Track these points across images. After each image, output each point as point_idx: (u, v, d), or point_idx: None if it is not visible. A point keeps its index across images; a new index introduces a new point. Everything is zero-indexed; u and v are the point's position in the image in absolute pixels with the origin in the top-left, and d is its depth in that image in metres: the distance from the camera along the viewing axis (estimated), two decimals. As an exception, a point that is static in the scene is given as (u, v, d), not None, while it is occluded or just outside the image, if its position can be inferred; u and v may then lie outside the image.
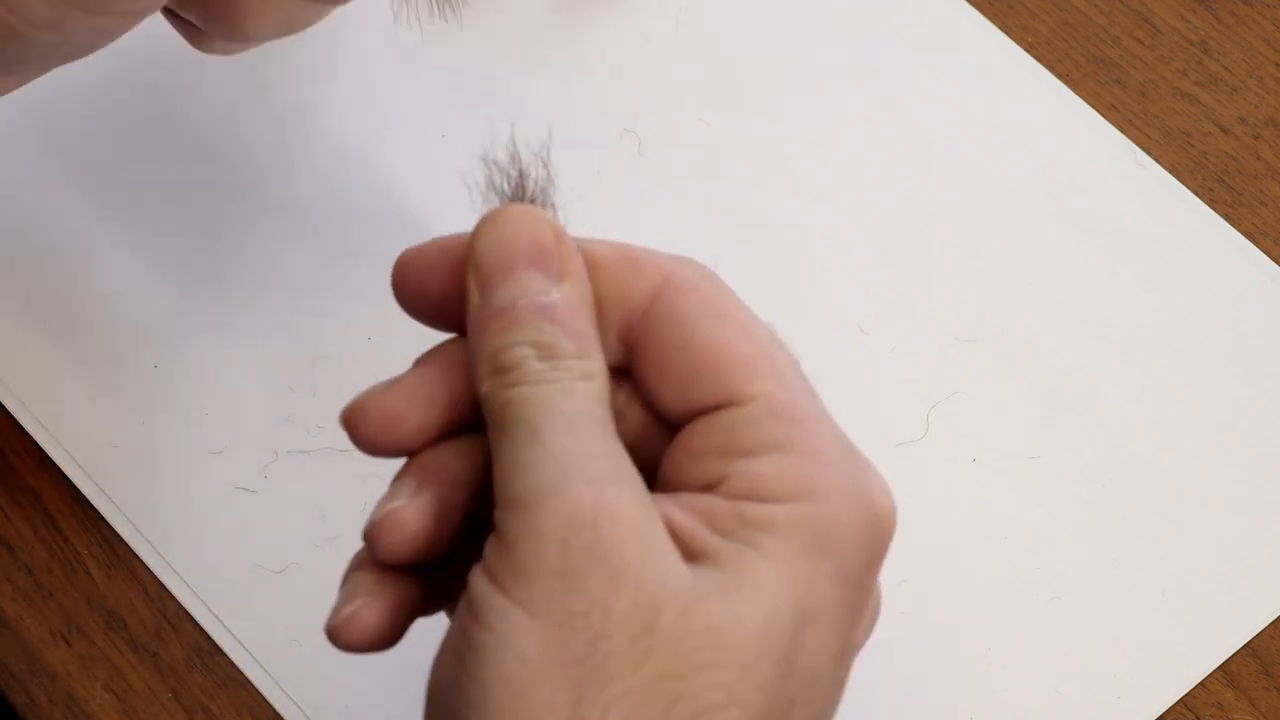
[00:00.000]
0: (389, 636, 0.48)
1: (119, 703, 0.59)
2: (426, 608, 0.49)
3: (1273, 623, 0.61)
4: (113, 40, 0.54)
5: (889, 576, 0.60)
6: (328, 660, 0.59)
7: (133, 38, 0.57)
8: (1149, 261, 0.66)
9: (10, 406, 0.62)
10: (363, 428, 0.48)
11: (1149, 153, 0.68)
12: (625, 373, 0.48)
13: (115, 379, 0.62)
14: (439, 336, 0.49)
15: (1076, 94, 0.69)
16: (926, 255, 0.66)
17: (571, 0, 0.70)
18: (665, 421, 0.47)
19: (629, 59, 0.69)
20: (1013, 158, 0.68)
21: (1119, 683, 0.60)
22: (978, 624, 0.60)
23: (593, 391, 0.45)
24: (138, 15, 0.53)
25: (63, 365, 0.63)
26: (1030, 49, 0.70)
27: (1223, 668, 0.60)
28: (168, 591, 0.60)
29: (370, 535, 0.47)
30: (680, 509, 0.45)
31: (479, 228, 0.47)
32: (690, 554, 0.45)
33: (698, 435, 0.46)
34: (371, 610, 0.48)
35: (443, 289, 0.48)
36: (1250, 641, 0.60)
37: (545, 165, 0.47)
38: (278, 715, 0.59)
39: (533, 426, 0.45)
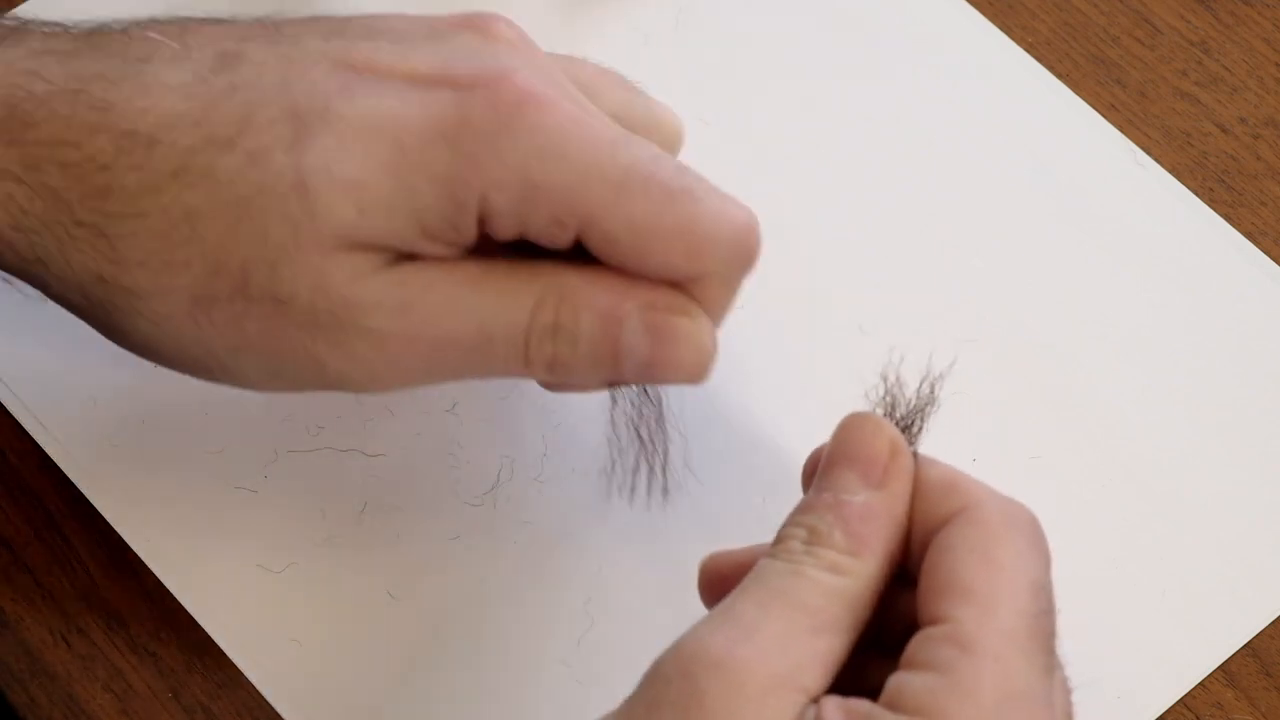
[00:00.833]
0: None
1: (119, 703, 0.59)
2: None
3: (1273, 623, 0.61)
4: None
5: (889, 576, 0.61)
6: (328, 660, 0.59)
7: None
8: (1149, 261, 0.66)
9: (10, 406, 0.62)
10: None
11: (1149, 153, 0.68)
12: None
13: (115, 379, 0.62)
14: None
15: (1076, 94, 0.69)
16: (926, 255, 0.66)
17: (571, 0, 0.70)
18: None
19: (628, 59, 0.69)
20: (1013, 158, 0.68)
21: (1119, 682, 0.60)
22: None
23: (831, 584, 0.48)
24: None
25: (63, 365, 0.63)
26: (1030, 49, 0.70)
27: (1223, 668, 0.60)
28: (168, 591, 0.60)
29: None
30: (836, 707, 0.47)
31: (837, 427, 0.51)
32: None
33: (907, 647, 0.48)
34: None
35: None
36: (1250, 641, 0.61)
37: (932, 388, 0.52)
38: (277, 715, 0.59)
39: (739, 591, 0.48)
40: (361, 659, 0.59)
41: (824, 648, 0.48)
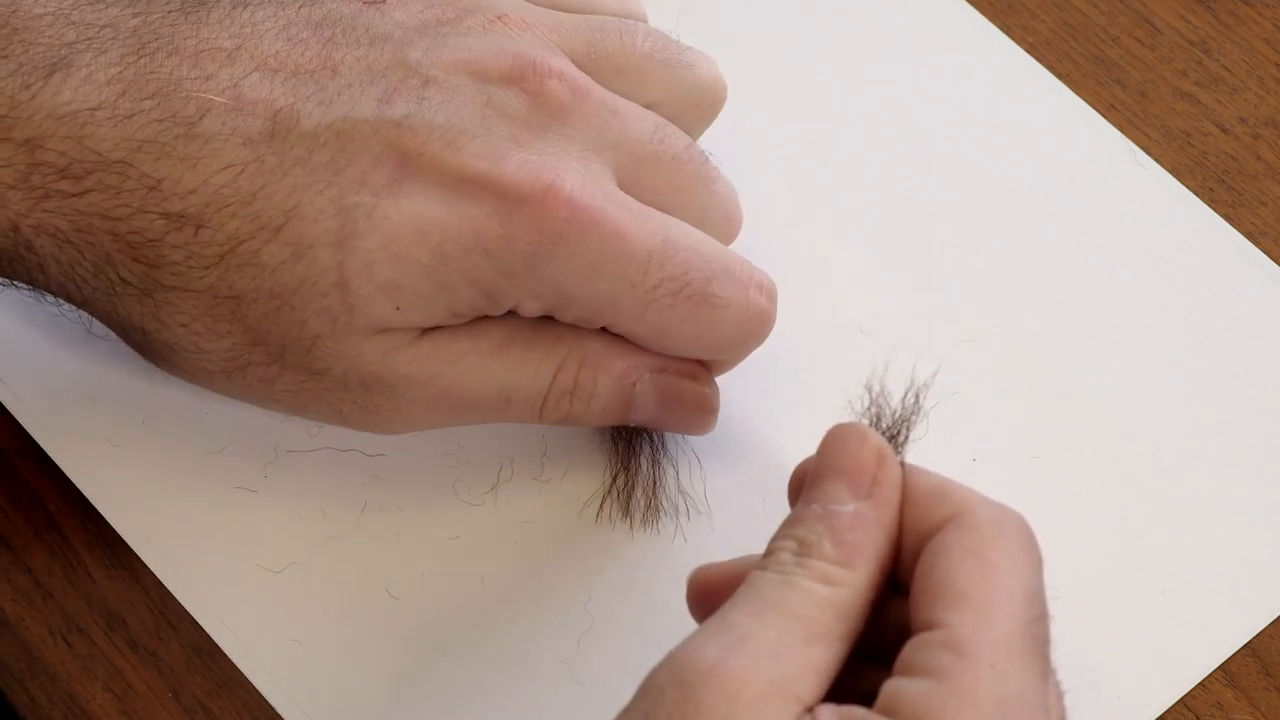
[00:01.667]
0: None
1: (119, 703, 0.59)
2: None
3: (1273, 623, 0.61)
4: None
5: (889, 576, 0.61)
6: (328, 660, 0.59)
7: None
8: (1149, 261, 0.66)
9: (10, 406, 0.62)
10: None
11: (1149, 153, 0.68)
12: None
13: (115, 378, 0.62)
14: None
15: (1076, 94, 0.69)
16: (926, 255, 0.66)
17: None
18: None
19: (629, 59, 0.69)
20: (1013, 157, 0.68)
21: (1119, 682, 0.60)
22: (978, 624, 0.60)
23: (823, 594, 0.48)
24: None
25: (63, 365, 0.63)
26: (1030, 49, 0.70)
27: (1223, 668, 0.60)
28: (168, 591, 0.60)
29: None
30: (832, 714, 0.47)
31: (823, 438, 0.52)
32: None
33: (901, 652, 0.48)
34: None
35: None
36: (1250, 641, 0.60)
37: (917, 397, 0.52)
38: (277, 715, 0.58)
39: (732, 603, 0.48)
40: (361, 659, 0.59)
41: (818, 657, 0.48)
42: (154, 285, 0.55)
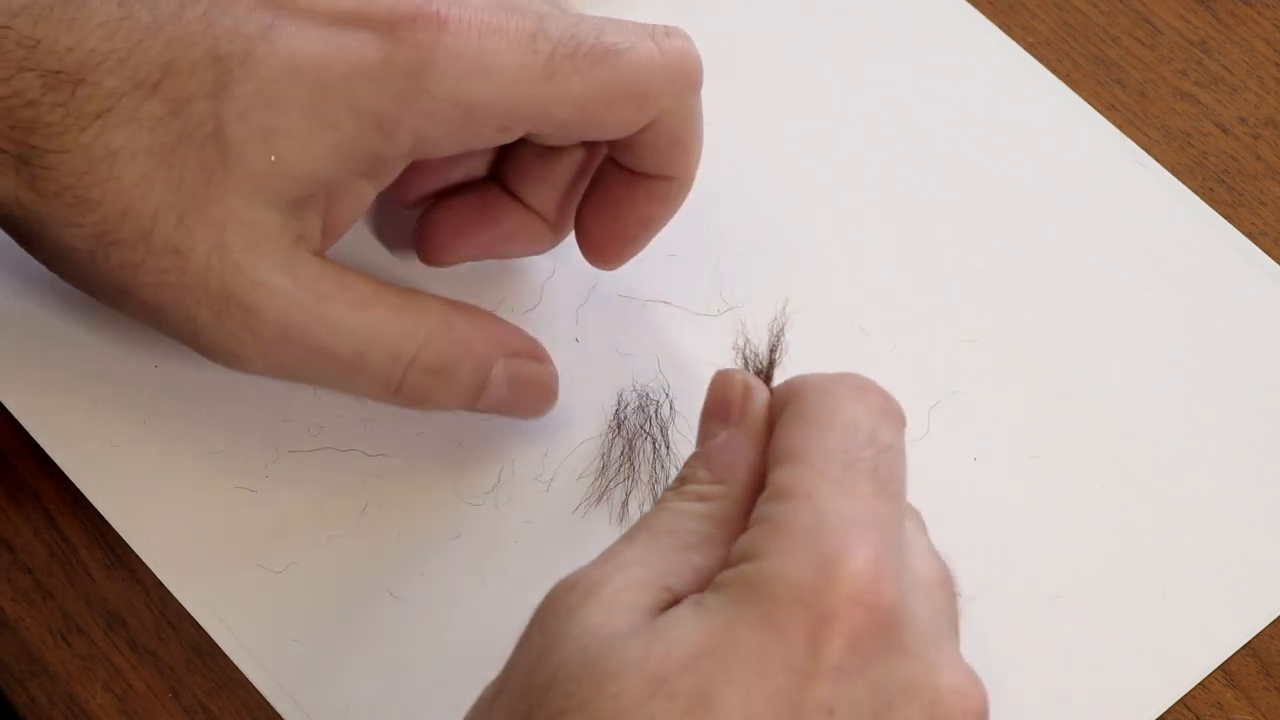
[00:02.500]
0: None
1: (119, 703, 0.59)
2: None
3: (1273, 623, 0.61)
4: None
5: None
6: (329, 660, 0.59)
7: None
8: (1149, 261, 0.66)
9: (10, 406, 0.62)
10: None
11: (1149, 153, 0.68)
12: None
13: (116, 378, 0.62)
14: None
15: (1076, 94, 0.69)
16: (927, 254, 0.66)
17: None
18: None
19: (629, 59, 0.69)
20: (1013, 157, 0.68)
21: (1119, 682, 0.60)
22: (978, 623, 0.60)
23: (695, 509, 0.50)
24: None
25: (63, 365, 0.63)
26: (1030, 49, 0.70)
27: (1223, 668, 0.60)
28: (168, 591, 0.60)
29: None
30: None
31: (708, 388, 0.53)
32: None
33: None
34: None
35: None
36: (1250, 641, 0.61)
37: (779, 339, 0.55)
38: (278, 716, 0.58)
39: (624, 534, 0.50)
40: (362, 659, 0.59)
41: (698, 560, 0.49)
42: (30, 151, 0.55)
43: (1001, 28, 0.70)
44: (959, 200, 0.67)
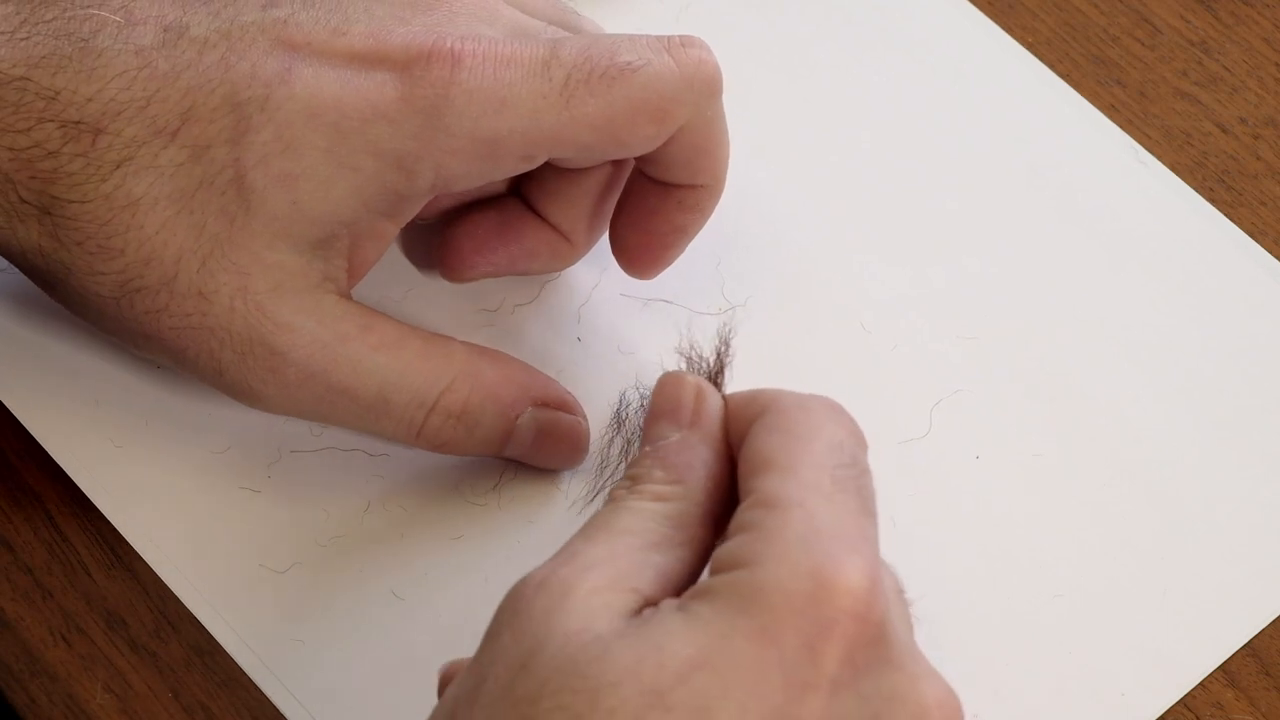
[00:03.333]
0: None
1: (119, 703, 0.59)
2: None
3: (1273, 623, 0.61)
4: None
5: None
6: (330, 660, 0.59)
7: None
8: (1151, 259, 0.66)
9: (11, 406, 0.62)
10: None
11: (1149, 153, 0.68)
12: None
13: (118, 378, 0.62)
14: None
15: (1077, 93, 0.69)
16: (928, 253, 0.66)
17: (571, -1, 0.70)
18: None
19: (630, 58, 0.69)
20: (1014, 155, 0.68)
21: (1120, 681, 0.60)
22: (980, 622, 0.60)
23: (653, 508, 0.50)
24: None
25: (65, 365, 0.63)
26: (1030, 48, 0.70)
27: (1223, 668, 0.60)
28: (168, 591, 0.60)
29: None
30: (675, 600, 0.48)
31: (651, 394, 0.53)
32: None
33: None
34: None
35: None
36: (1250, 641, 0.61)
37: (726, 345, 0.54)
38: (279, 715, 0.58)
39: (581, 531, 0.50)
40: (365, 659, 0.59)
41: (660, 560, 0.49)
42: (52, 201, 0.55)
43: (1002, 27, 0.70)
44: (961, 199, 0.67)
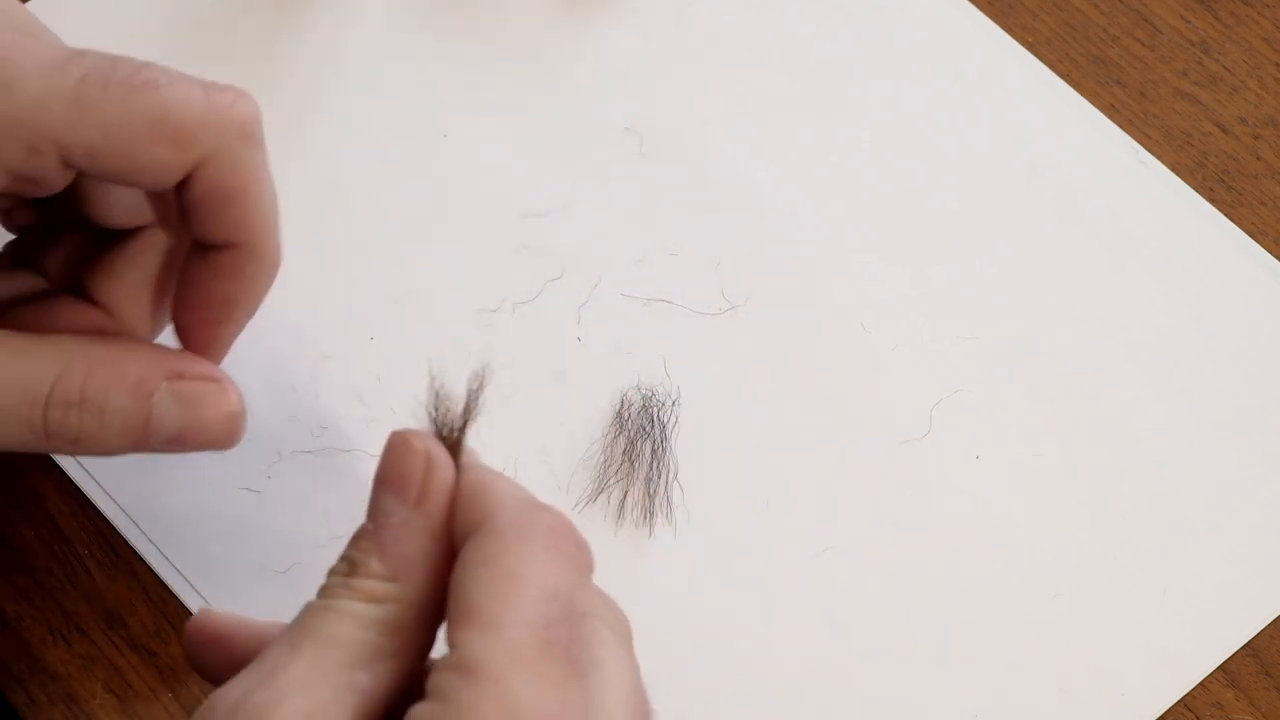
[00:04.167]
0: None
1: (119, 703, 0.59)
2: None
3: (1273, 623, 0.61)
4: None
5: (893, 575, 0.61)
6: (331, 660, 0.59)
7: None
8: (1151, 259, 0.66)
9: (11, 406, 0.62)
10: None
11: (1149, 153, 0.68)
12: None
13: (118, 378, 0.62)
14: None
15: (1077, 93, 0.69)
16: (928, 253, 0.66)
17: (571, -1, 0.70)
18: None
19: (630, 57, 0.69)
20: (1014, 155, 0.68)
21: (1121, 681, 0.60)
22: (980, 621, 0.60)
23: (368, 614, 0.47)
24: None
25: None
26: (1030, 48, 0.70)
27: (1223, 668, 0.60)
28: (168, 591, 0.60)
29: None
30: None
31: (383, 448, 0.50)
32: None
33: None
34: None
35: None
36: (1250, 641, 0.61)
37: (475, 398, 0.50)
38: (279, 715, 0.58)
39: (279, 638, 0.47)
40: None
41: (364, 680, 0.47)
42: None
43: (1002, 27, 0.70)
44: (961, 199, 0.67)
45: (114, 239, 0.57)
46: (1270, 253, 0.67)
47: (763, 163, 0.67)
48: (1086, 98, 0.69)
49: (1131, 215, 0.67)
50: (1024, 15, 0.71)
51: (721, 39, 0.69)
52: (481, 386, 0.50)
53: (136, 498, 0.61)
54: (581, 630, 0.47)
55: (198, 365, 0.55)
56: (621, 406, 0.62)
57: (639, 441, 0.62)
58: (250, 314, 0.56)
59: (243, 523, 0.61)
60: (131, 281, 0.56)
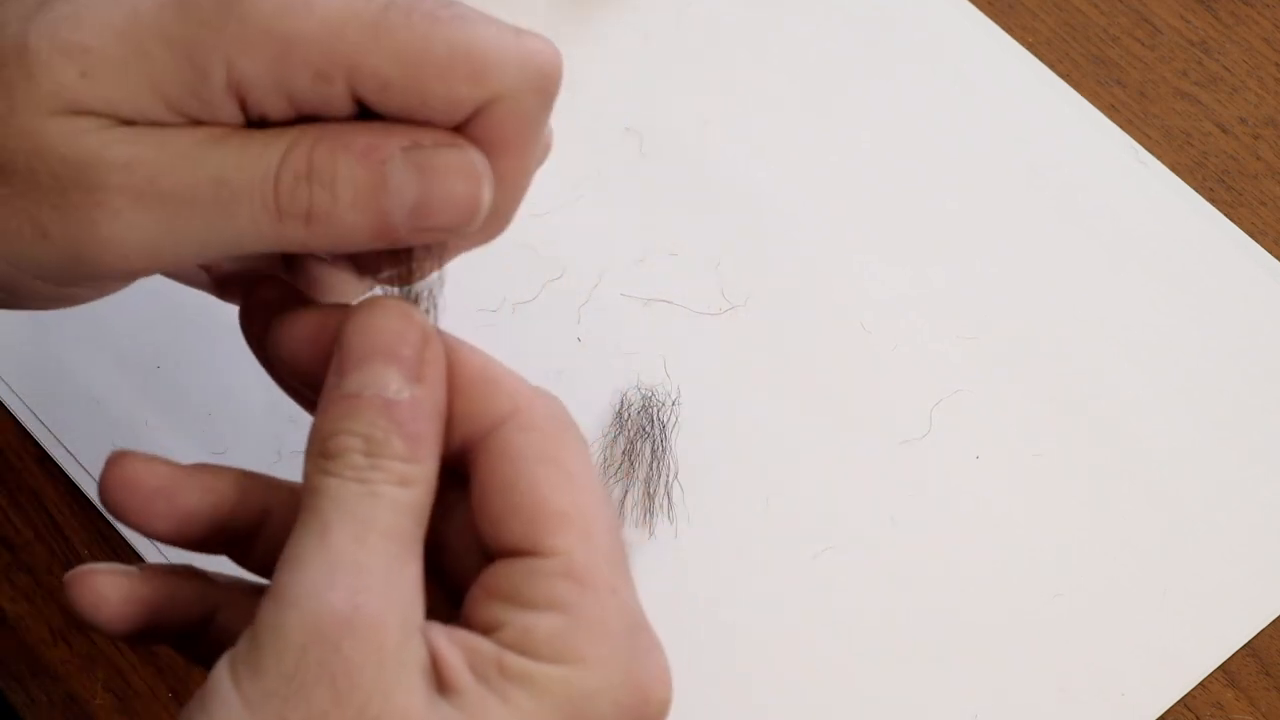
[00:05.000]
0: (117, 624, 0.50)
1: (119, 703, 0.59)
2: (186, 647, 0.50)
3: (1273, 623, 0.61)
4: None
5: (893, 575, 0.61)
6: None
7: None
8: (1151, 259, 0.66)
9: (11, 406, 0.62)
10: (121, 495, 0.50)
11: (1149, 153, 0.68)
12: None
13: (118, 380, 0.62)
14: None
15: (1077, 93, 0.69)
16: (929, 253, 0.66)
17: (571, -1, 0.70)
18: (482, 546, 0.48)
19: (630, 57, 0.69)
20: (1014, 155, 0.68)
21: (1121, 680, 0.60)
22: (981, 621, 0.60)
23: (404, 500, 0.46)
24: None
25: (65, 366, 0.62)
26: (1030, 49, 0.70)
27: (1223, 668, 0.60)
28: (168, 591, 0.60)
29: None
30: (449, 641, 0.45)
31: (353, 313, 0.47)
32: (444, 687, 0.45)
33: (496, 576, 0.46)
34: (112, 586, 0.50)
35: (315, 356, 0.48)
36: (1250, 641, 0.61)
37: (441, 279, 0.49)
38: (279, 715, 0.58)
39: (325, 523, 0.45)
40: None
41: (414, 573, 0.46)
42: None
43: (1002, 27, 0.70)
44: (961, 199, 0.67)
45: None
46: (1270, 253, 0.67)
47: (763, 163, 0.67)
48: (1086, 98, 0.69)
49: (1131, 215, 0.67)
50: (1024, 15, 0.71)
51: (721, 39, 0.69)
52: (442, 259, 0.49)
53: (136, 498, 0.61)
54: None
55: (436, 133, 0.50)
56: (621, 406, 0.62)
57: (639, 441, 0.62)
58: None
59: (243, 523, 0.61)
60: None
